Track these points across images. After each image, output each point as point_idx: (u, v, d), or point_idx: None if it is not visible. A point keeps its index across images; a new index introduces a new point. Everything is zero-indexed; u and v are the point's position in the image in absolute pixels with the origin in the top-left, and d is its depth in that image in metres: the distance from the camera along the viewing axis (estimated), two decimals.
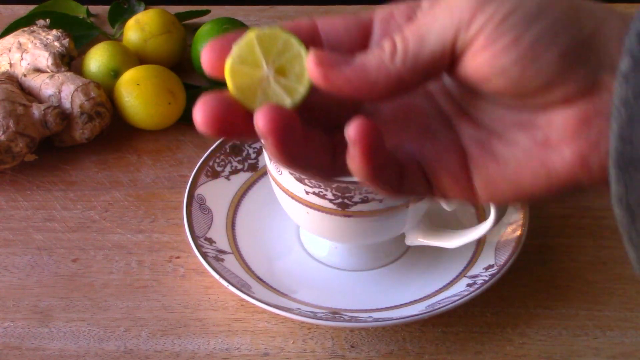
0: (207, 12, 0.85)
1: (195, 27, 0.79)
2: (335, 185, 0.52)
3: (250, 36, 0.35)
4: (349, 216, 0.54)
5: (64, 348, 0.57)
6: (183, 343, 0.57)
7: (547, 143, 0.35)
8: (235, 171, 0.66)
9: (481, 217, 0.63)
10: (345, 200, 0.53)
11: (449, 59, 0.35)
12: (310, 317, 0.55)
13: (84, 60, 0.75)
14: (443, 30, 0.34)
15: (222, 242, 0.61)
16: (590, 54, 0.34)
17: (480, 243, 0.61)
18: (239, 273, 0.59)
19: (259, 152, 0.67)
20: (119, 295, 0.60)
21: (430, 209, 0.58)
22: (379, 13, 0.38)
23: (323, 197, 0.53)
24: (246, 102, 0.35)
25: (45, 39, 0.72)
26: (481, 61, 0.34)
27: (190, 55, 0.78)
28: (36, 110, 0.67)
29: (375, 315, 0.56)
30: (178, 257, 0.63)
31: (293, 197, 0.55)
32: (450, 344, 0.57)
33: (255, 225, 0.63)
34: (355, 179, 0.51)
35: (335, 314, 0.56)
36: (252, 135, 0.35)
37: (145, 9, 0.83)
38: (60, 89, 0.69)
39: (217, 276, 0.57)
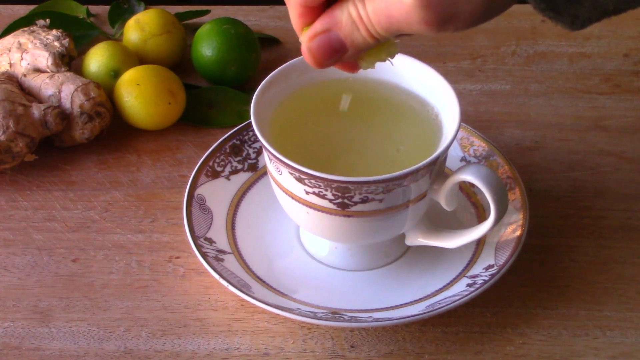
0: (207, 12, 0.85)
1: (195, 27, 0.79)
2: (335, 185, 0.52)
3: None
4: (349, 216, 0.54)
5: (64, 348, 0.57)
6: (183, 343, 0.57)
7: None
8: (235, 171, 0.66)
9: (481, 217, 0.63)
10: (345, 200, 0.53)
11: None
12: (310, 317, 0.55)
13: (84, 60, 0.75)
14: None
15: (222, 242, 0.61)
16: None
17: (480, 243, 0.61)
18: (239, 273, 0.59)
19: (259, 152, 0.67)
20: (119, 295, 0.60)
21: (430, 209, 0.58)
22: None
23: (323, 197, 0.53)
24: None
25: (45, 39, 0.72)
26: None
27: (190, 55, 0.78)
28: (36, 110, 0.68)
29: (375, 315, 0.56)
30: (178, 257, 0.63)
31: (293, 197, 0.55)
32: (450, 344, 0.57)
33: (255, 225, 0.63)
34: (355, 179, 0.52)
35: (335, 314, 0.56)
36: None
37: (145, 9, 0.83)
38: (60, 89, 0.69)
39: (217, 276, 0.57)
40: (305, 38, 0.45)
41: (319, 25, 0.45)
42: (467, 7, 0.41)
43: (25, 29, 0.75)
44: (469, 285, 0.57)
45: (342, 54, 0.45)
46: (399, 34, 0.44)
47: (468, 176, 0.54)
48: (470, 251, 0.61)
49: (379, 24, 0.43)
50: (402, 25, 0.42)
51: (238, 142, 0.67)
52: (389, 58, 0.48)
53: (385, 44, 0.47)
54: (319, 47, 0.45)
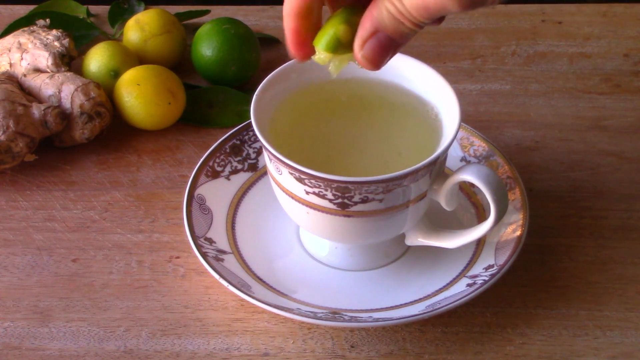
0: (207, 12, 0.85)
1: (195, 27, 0.79)
2: (335, 185, 0.52)
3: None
4: (349, 216, 0.54)
5: (64, 348, 0.57)
6: (183, 343, 0.57)
7: None
8: (235, 171, 0.66)
9: (481, 217, 0.63)
10: (345, 200, 0.53)
11: None
12: (310, 317, 0.55)
13: (84, 60, 0.75)
14: None
15: (222, 242, 0.61)
16: None
17: (480, 243, 0.61)
18: (239, 273, 0.59)
19: (259, 152, 0.67)
20: (119, 295, 0.60)
21: (430, 209, 0.58)
22: None
23: (323, 197, 0.53)
24: None
25: (45, 39, 0.72)
26: None
27: (190, 55, 0.78)
28: (36, 110, 0.68)
29: (375, 315, 0.56)
30: (178, 257, 0.63)
31: (293, 197, 0.55)
32: (450, 344, 0.57)
33: (255, 225, 0.63)
34: (355, 179, 0.52)
35: (335, 314, 0.56)
36: None
37: (145, 9, 0.83)
38: (60, 89, 0.69)
39: (217, 276, 0.57)
40: (356, 47, 0.46)
41: (363, 32, 0.46)
42: None
43: (25, 29, 0.75)
44: (469, 285, 0.57)
45: (395, 48, 0.47)
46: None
47: (468, 176, 0.54)
48: (470, 251, 0.61)
49: (419, 15, 0.44)
50: (440, 12, 0.44)
51: (238, 142, 0.67)
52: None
53: None
54: (372, 50, 0.46)
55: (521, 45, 0.83)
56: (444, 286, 0.59)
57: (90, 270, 0.62)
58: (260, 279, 0.59)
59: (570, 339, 0.58)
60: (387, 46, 0.46)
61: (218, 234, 0.62)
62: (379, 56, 0.46)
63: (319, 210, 0.55)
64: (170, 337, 0.58)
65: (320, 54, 0.47)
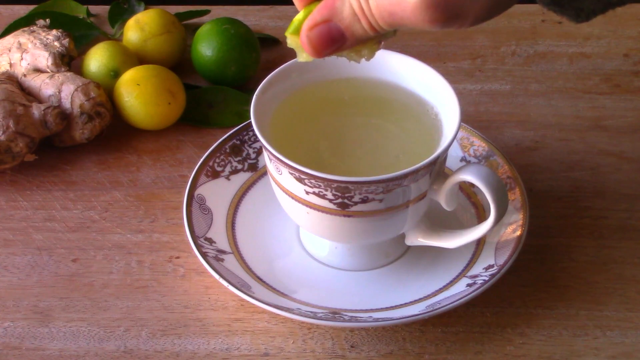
0: (207, 12, 0.85)
1: (195, 27, 0.79)
2: (335, 185, 0.52)
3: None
4: (349, 216, 0.54)
5: (64, 348, 0.57)
6: (183, 343, 0.57)
7: None
8: (235, 171, 0.66)
9: (481, 217, 0.63)
10: (345, 200, 0.53)
11: None
12: (310, 317, 0.55)
13: (84, 60, 0.75)
14: None
15: (222, 242, 0.61)
16: None
17: (480, 243, 0.61)
18: (239, 273, 0.59)
19: (259, 152, 0.67)
20: (119, 295, 0.60)
21: (430, 209, 0.58)
22: None
23: (323, 197, 0.53)
24: None
25: (45, 39, 0.72)
26: None
27: (190, 55, 0.78)
28: (36, 110, 0.68)
29: (375, 315, 0.56)
30: (178, 257, 0.63)
31: (293, 197, 0.55)
32: (450, 344, 0.57)
33: (255, 225, 0.63)
34: (355, 179, 0.52)
35: (335, 314, 0.56)
36: None
37: (145, 9, 0.83)
38: (60, 89, 0.69)
39: (217, 276, 0.57)
40: (305, 27, 0.45)
41: (318, 15, 0.44)
42: (472, 7, 0.41)
43: (25, 29, 0.75)
44: (469, 285, 0.57)
45: (341, 44, 0.45)
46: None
47: (468, 176, 0.54)
48: (470, 251, 0.61)
49: (381, 19, 0.43)
50: (405, 22, 0.42)
51: (238, 142, 0.67)
52: (365, 59, 0.48)
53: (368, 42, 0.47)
54: (319, 37, 0.45)
55: (521, 45, 0.83)
56: (444, 286, 0.59)
57: (90, 270, 0.62)
58: (260, 279, 0.59)
59: (570, 339, 0.58)
60: (334, 39, 0.45)
61: (218, 234, 0.62)
62: (323, 45, 0.45)
63: (319, 210, 0.55)
64: (170, 337, 0.58)
65: (288, 39, 0.47)
